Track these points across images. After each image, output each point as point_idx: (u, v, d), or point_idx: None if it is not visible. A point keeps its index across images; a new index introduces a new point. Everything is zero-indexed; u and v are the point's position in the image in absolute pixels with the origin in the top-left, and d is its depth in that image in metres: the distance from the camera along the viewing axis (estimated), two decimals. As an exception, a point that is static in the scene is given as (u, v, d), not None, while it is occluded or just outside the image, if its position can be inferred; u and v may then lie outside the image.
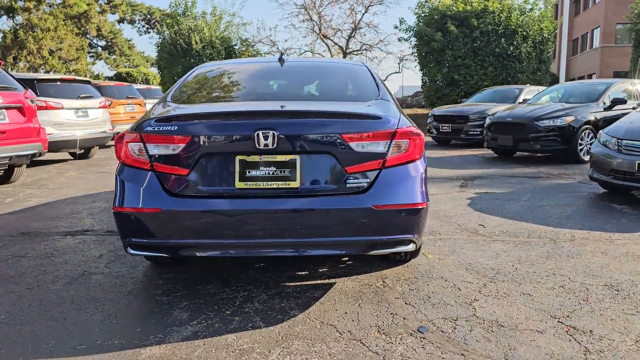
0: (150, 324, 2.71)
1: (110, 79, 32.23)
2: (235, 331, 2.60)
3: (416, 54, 22.01)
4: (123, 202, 2.75)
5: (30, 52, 27.96)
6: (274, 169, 2.70)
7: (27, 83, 9.14)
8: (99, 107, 9.99)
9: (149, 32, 35.83)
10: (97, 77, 32.68)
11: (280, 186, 2.70)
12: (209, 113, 2.89)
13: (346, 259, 3.70)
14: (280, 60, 3.79)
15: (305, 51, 24.46)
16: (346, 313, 2.81)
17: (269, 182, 2.70)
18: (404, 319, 2.74)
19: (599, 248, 3.93)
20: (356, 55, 24.14)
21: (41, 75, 10.11)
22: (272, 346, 2.44)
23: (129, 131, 2.82)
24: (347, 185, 2.71)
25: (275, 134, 2.65)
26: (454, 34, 19.61)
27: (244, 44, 24.15)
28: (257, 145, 2.65)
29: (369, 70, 3.73)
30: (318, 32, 23.61)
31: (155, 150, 2.72)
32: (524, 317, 2.73)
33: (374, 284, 3.23)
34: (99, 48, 38.18)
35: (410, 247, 2.87)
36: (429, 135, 13.02)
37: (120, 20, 38.21)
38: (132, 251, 2.80)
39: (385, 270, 3.49)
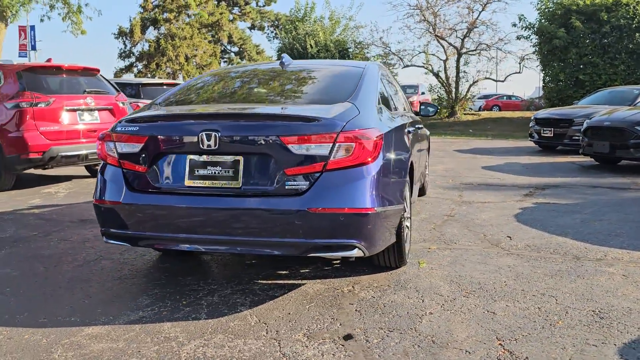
0: (113, 306, 2.98)
1: (238, 82, 34.43)
2: (175, 320, 2.77)
3: (537, 53, 20.56)
4: (97, 195, 3.06)
5: (169, 59, 30.97)
6: (219, 169, 2.83)
7: (133, 87, 10.22)
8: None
9: (277, 38, 37.64)
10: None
11: (223, 185, 2.82)
12: (163, 115, 3.10)
13: (337, 261, 3.70)
14: (281, 64, 3.90)
15: (419, 52, 24.00)
16: (289, 314, 2.84)
17: (214, 181, 2.83)
18: (340, 324, 2.70)
19: (623, 270, 3.48)
20: (472, 55, 23.13)
21: (145, 80, 11.23)
22: (194, 337, 2.57)
23: (107, 131, 3.12)
24: (286, 187, 2.74)
25: (217, 135, 2.77)
26: (579, 29, 18.01)
27: (358, 46, 24.38)
28: (201, 146, 2.80)
29: (363, 71, 3.68)
30: (433, 32, 23.02)
31: (122, 148, 2.99)
32: (465, 336, 2.55)
33: (341, 289, 3.20)
34: (232, 54, 40.96)
35: (356, 253, 2.81)
36: (531, 140, 12.14)
37: (252, 27, 40.65)
38: (106, 239, 3.10)
39: (365, 275, 3.43)
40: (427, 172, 6.20)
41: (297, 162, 2.73)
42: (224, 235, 2.79)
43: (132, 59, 33.71)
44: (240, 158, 2.80)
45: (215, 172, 2.84)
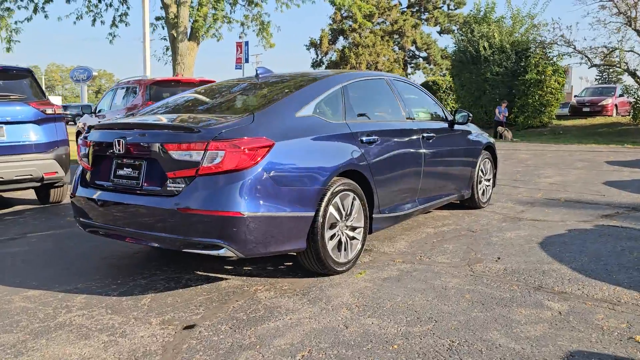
0: (74, 278, 3.68)
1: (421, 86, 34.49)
2: (90, 293, 3.33)
3: None
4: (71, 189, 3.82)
5: (352, 66, 32.55)
6: (130, 170, 3.32)
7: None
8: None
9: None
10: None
11: (130, 184, 3.30)
12: (100, 124, 3.67)
13: (289, 262, 3.90)
14: (256, 76, 4.22)
15: (612, 49, 21.00)
16: (177, 302, 3.19)
17: (126, 180, 3.33)
18: (201, 317, 2.96)
19: (616, 316, 2.99)
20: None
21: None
22: (87, 307, 3.09)
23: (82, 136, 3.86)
24: (167, 188, 3.10)
25: (123, 141, 3.27)
26: None
27: (539, 46, 22.45)
28: (115, 150, 3.32)
29: (311, 84, 3.80)
30: (631, 25, 19.97)
31: (83, 150, 3.69)
32: (284, 342, 2.60)
33: (250, 288, 3.41)
34: (420, 59, 41.06)
35: (224, 253, 3.02)
36: None
37: (441, 32, 40.22)
38: (77, 225, 3.84)
39: (290, 278, 3.58)
40: (481, 184, 5.78)
41: (176, 167, 3.07)
42: (130, 228, 3.26)
43: (322, 68, 36.21)
44: (143, 161, 3.24)
45: (128, 173, 3.33)
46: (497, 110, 20.20)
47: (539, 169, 9.62)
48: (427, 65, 40.37)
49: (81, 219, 3.61)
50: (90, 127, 3.66)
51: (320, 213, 3.38)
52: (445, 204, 5.35)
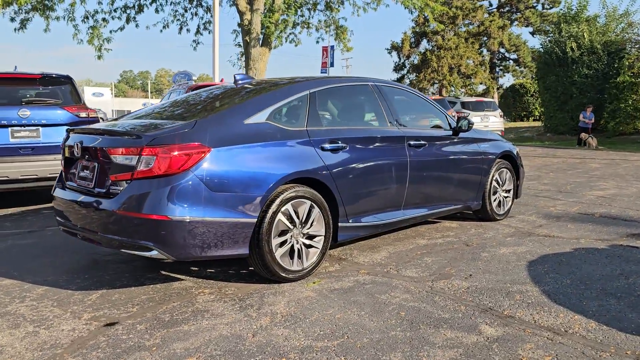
0: (50, 271, 3.96)
1: (507, 90, 32.93)
2: (58, 287, 3.57)
3: None
4: (57, 189, 4.11)
5: (433, 69, 31.79)
6: (87, 172, 3.51)
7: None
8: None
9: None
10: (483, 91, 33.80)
11: (87, 185, 3.49)
12: (72, 129, 3.87)
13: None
14: (235, 82, 4.30)
15: None
16: (120, 299, 3.33)
17: (84, 182, 3.53)
18: (128, 315, 3.07)
19: (547, 348, 2.76)
20: None
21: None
22: (43, 298, 3.33)
23: (69, 139, 4.13)
24: (110, 190, 3.25)
25: (79, 144, 3.47)
26: None
27: (635, 46, 20.58)
28: (74, 154, 3.54)
29: (273, 91, 3.81)
30: None
31: (61, 153, 3.95)
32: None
33: (196, 290, 3.49)
34: (511, 61, 39.22)
35: (156, 255, 3.11)
36: None
37: (533, 33, 38.16)
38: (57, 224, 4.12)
39: (241, 283, 3.61)
40: (495, 195, 5.43)
41: (117, 170, 3.21)
42: (83, 226, 3.45)
43: (404, 71, 35.75)
44: (96, 165, 3.42)
45: (85, 175, 3.53)
46: (581, 116, 18.81)
47: (598, 181, 8.84)
48: (517, 67, 38.49)
49: (57, 218, 3.86)
50: (68, 130, 3.92)
51: (266, 220, 3.37)
52: (448, 214, 5.10)
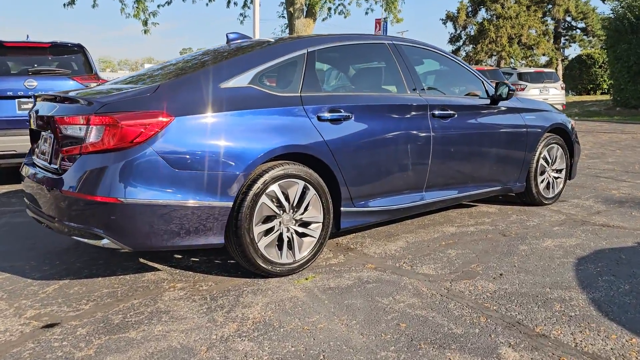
0: (20, 257, 3.58)
1: (572, 62, 30.70)
2: (19, 275, 3.17)
3: None
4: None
5: (491, 40, 29.92)
6: (47, 145, 3.04)
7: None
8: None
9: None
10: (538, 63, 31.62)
11: (44, 160, 3.02)
12: (38, 95, 3.38)
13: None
14: (227, 41, 3.72)
15: None
16: (79, 292, 2.88)
17: (42, 156, 3.07)
18: (73, 312, 2.61)
19: None
20: None
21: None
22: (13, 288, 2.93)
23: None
24: (61, 166, 2.76)
25: (34, 114, 2.99)
26: None
27: None
28: (33, 124, 3.07)
29: (258, 49, 3.20)
30: None
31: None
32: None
33: (176, 285, 2.99)
34: (578, 30, 36.56)
35: (107, 244, 2.61)
36: None
37: (604, -2, 35.28)
38: None
39: (237, 279, 3.08)
40: (543, 175, 4.63)
41: (68, 143, 2.70)
42: (39, 208, 2.99)
43: (460, 43, 34.01)
44: (52, 136, 2.94)
45: (44, 149, 3.06)
46: (655, 88, 17.02)
47: (673, 159, 7.71)
48: (584, 37, 35.81)
49: (25, 201, 3.45)
50: (35, 97, 3.46)
51: (246, 203, 2.80)
52: (485, 197, 4.36)
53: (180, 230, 2.68)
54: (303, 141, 3.00)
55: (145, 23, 18.28)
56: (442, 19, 33.07)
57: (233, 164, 2.75)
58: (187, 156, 2.64)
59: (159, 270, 3.19)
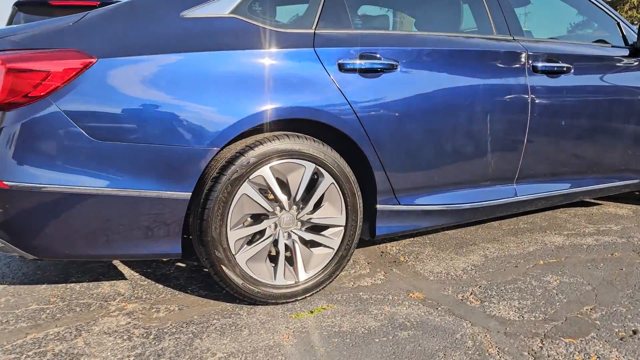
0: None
1: None
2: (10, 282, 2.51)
3: None
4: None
5: (632, 6, 25.92)
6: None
7: None
8: None
9: None
10: None
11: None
12: None
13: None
14: None
15: None
16: (8, 302, 2.12)
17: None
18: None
19: None
20: None
21: None
22: None
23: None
24: None
25: None
26: None
27: None
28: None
29: None
30: None
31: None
32: None
33: (130, 305, 2.13)
34: None
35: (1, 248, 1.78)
36: None
37: None
38: None
39: (220, 303, 2.17)
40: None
41: None
42: None
43: None
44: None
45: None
46: None
47: None
48: None
49: None
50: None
51: (215, 195, 1.83)
52: (613, 193, 3.02)
53: (109, 233, 1.77)
54: (310, 102, 1.94)
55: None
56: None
57: (191, 133, 1.78)
58: (117, 119, 1.71)
59: (123, 279, 2.34)
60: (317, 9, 2.06)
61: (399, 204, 2.22)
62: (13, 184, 1.65)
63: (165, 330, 1.86)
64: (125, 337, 1.81)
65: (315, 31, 2.03)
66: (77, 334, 1.84)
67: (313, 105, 1.93)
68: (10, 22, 5.04)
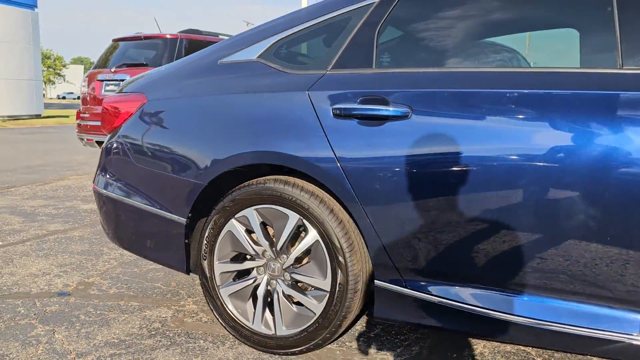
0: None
1: None
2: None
3: None
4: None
5: None
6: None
7: None
8: None
9: None
10: None
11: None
12: None
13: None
14: None
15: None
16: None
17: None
18: None
19: None
20: None
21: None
22: None
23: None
24: None
25: None
26: None
27: None
28: None
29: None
30: None
31: None
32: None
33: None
34: None
35: None
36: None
37: None
38: None
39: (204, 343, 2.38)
40: None
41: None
42: None
43: None
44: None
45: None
46: None
47: None
48: None
49: None
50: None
51: (206, 225, 2.03)
52: None
53: (145, 239, 2.20)
54: (289, 148, 1.81)
55: None
56: None
57: (189, 166, 2.00)
58: (145, 146, 2.13)
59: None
60: (341, 47, 1.87)
61: (405, 286, 1.74)
62: (98, 190, 2.30)
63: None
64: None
65: (327, 72, 1.85)
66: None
67: (289, 152, 1.79)
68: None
